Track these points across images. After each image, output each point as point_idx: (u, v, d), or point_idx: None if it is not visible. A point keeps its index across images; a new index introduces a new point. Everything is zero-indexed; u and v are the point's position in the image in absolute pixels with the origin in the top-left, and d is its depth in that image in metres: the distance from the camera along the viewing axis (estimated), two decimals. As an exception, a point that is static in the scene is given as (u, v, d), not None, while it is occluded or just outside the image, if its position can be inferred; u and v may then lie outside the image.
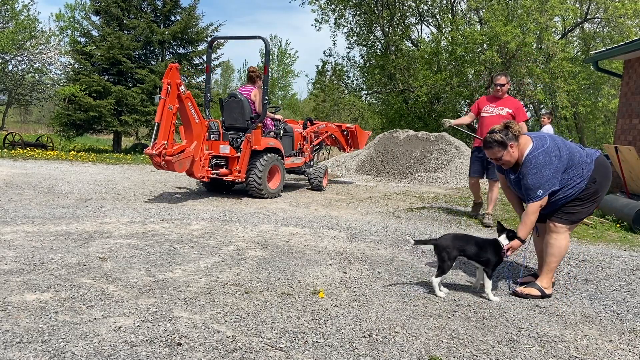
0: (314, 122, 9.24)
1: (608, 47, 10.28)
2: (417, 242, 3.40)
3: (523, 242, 3.23)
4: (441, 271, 3.17)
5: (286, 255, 3.93)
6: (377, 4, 24.79)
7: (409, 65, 24.14)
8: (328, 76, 26.80)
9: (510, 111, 5.82)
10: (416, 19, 25.65)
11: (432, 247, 3.35)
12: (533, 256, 4.51)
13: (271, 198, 7.06)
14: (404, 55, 24.39)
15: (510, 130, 3.20)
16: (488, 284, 3.21)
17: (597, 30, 22.17)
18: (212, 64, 11.60)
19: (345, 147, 9.85)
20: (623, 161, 7.11)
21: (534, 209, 3.13)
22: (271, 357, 2.19)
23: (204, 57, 18.35)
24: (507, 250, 3.23)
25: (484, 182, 6.79)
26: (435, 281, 3.18)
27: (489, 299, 3.19)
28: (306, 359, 2.19)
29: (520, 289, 3.29)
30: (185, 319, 2.54)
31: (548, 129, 10.10)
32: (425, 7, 25.09)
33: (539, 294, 3.25)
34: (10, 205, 5.42)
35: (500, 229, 3.37)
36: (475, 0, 19.99)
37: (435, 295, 3.16)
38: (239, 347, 2.26)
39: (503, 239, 3.28)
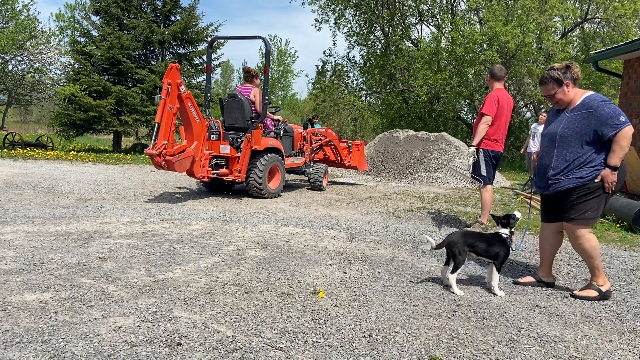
0: (314, 119, 9.18)
1: (608, 47, 10.28)
2: (436, 248, 3.38)
3: (615, 169, 3.12)
4: (455, 267, 3.22)
5: (286, 255, 3.93)
6: (377, 4, 24.80)
7: (409, 65, 24.16)
8: (328, 76, 26.82)
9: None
10: (416, 18, 25.69)
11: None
12: (533, 255, 4.51)
13: (271, 198, 7.06)
14: (404, 55, 24.41)
15: (571, 70, 3.26)
16: (496, 277, 3.27)
17: (597, 30, 22.17)
18: (212, 64, 11.58)
19: (345, 158, 9.54)
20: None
21: (624, 134, 3.06)
22: (271, 357, 2.19)
23: (204, 57, 18.36)
24: (600, 180, 3.13)
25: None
26: (452, 278, 3.23)
27: (494, 293, 3.25)
28: (306, 359, 2.19)
29: (577, 292, 3.32)
30: (185, 319, 2.54)
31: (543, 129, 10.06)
32: (425, 7, 25.12)
33: (597, 294, 3.27)
34: (10, 205, 5.42)
35: (496, 220, 3.44)
36: (475, 1, 20.00)
37: (453, 292, 3.19)
38: (239, 347, 2.26)
39: (502, 230, 3.37)
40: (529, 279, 3.55)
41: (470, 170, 5.47)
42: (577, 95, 3.28)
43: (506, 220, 3.38)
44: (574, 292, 3.34)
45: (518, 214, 3.42)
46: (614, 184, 3.17)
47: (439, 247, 3.38)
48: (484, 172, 5.40)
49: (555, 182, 3.29)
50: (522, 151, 12.02)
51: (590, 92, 3.28)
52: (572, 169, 3.22)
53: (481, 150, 5.40)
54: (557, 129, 3.32)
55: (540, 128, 10.01)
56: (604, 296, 3.27)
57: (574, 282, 3.71)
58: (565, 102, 3.30)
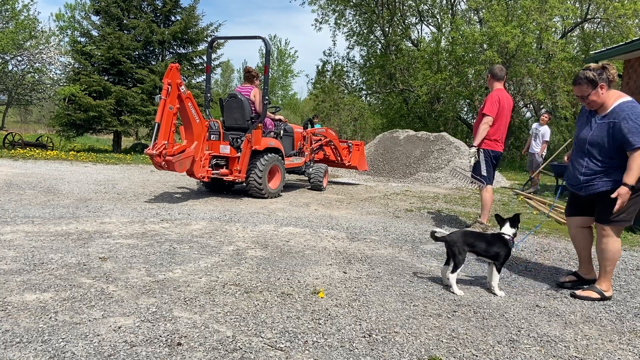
0: (314, 119, 9.16)
1: (608, 47, 10.28)
2: (433, 237, 3.40)
3: (631, 187, 3.06)
4: (455, 266, 3.22)
5: (286, 255, 3.93)
6: (377, 4, 24.80)
7: (409, 65, 24.15)
8: (328, 76, 26.82)
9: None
10: (416, 18, 25.69)
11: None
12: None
13: (271, 198, 7.06)
14: (404, 55, 24.40)
15: (607, 72, 3.18)
16: (496, 278, 3.27)
17: (597, 30, 22.16)
18: (212, 64, 11.58)
19: (345, 158, 9.54)
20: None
21: (638, 155, 3.02)
22: (271, 357, 2.19)
23: (204, 57, 18.35)
24: (617, 197, 3.05)
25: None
26: (452, 277, 3.23)
27: (494, 293, 3.25)
28: (306, 359, 2.19)
29: (579, 292, 3.31)
30: (185, 319, 2.54)
31: (545, 129, 10.05)
32: (425, 7, 25.11)
33: (598, 296, 3.26)
34: (10, 205, 5.42)
35: (501, 220, 3.42)
36: (475, 1, 20.00)
37: (453, 292, 3.19)
38: (239, 347, 2.26)
39: (507, 229, 3.35)
40: (571, 277, 3.56)
41: (472, 170, 5.47)
42: (611, 98, 3.19)
43: (514, 220, 3.38)
44: (575, 292, 3.34)
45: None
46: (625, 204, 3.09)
47: (437, 239, 3.39)
48: (484, 172, 5.40)
49: (589, 185, 3.26)
50: (523, 152, 12.02)
51: (624, 99, 3.17)
52: (605, 172, 3.18)
53: (481, 150, 5.40)
54: (586, 136, 3.28)
55: (542, 129, 9.99)
56: (604, 299, 3.28)
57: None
58: (598, 104, 3.22)
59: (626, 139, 3.05)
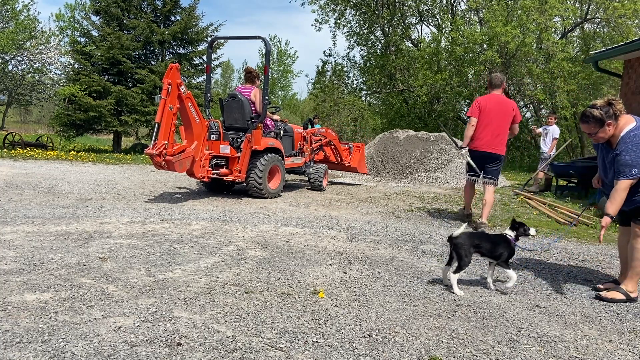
0: (314, 119, 9.17)
1: (608, 47, 10.29)
2: (449, 239, 3.39)
3: (612, 217, 3.18)
4: (459, 268, 3.23)
5: (286, 255, 3.93)
6: (377, 4, 24.84)
7: (409, 65, 24.18)
8: (328, 76, 26.84)
9: None
10: (416, 19, 25.73)
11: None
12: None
13: (271, 198, 7.06)
14: (404, 55, 24.43)
15: (612, 107, 3.19)
16: (513, 275, 3.29)
17: (597, 30, 22.17)
18: (212, 64, 11.57)
19: (345, 159, 9.54)
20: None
21: (624, 185, 3.12)
22: (271, 357, 2.19)
23: (204, 57, 18.36)
24: (602, 228, 3.17)
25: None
26: (454, 278, 3.24)
27: (507, 287, 3.33)
28: (306, 359, 2.19)
29: (604, 293, 3.30)
30: (185, 319, 2.54)
31: (554, 128, 10.16)
32: (425, 7, 25.14)
33: (624, 297, 3.25)
34: (10, 205, 5.42)
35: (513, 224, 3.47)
36: (475, 1, 20.01)
37: (453, 292, 3.20)
38: (239, 347, 2.26)
39: (509, 232, 3.40)
40: (611, 284, 3.51)
41: (471, 170, 5.73)
42: (618, 129, 3.21)
43: (516, 226, 3.41)
44: (600, 293, 3.31)
45: (533, 231, 3.46)
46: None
47: (449, 239, 3.36)
48: (473, 170, 5.79)
49: (629, 202, 3.28)
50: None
51: (628, 128, 3.17)
52: (638, 190, 3.21)
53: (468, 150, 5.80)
54: (608, 170, 3.34)
55: (550, 129, 10.18)
56: (630, 300, 3.26)
57: (574, 281, 3.71)
58: (605, 139, 3.27)
59: (617, 168, 3.16)
